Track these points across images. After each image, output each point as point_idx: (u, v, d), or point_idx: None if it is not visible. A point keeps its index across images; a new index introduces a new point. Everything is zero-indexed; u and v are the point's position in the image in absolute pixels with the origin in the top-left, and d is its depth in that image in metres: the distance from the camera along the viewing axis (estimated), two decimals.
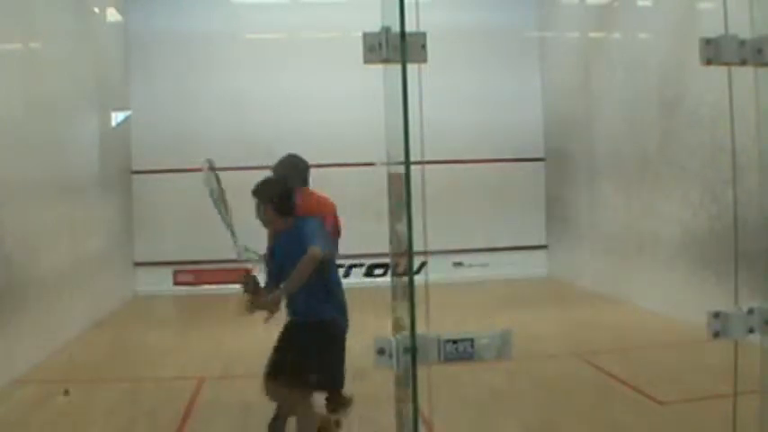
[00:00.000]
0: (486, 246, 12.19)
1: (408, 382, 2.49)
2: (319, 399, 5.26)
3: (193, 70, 11.70)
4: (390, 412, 2.86)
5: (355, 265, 11.46)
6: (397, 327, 2.54)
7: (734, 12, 2.87)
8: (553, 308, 10.07)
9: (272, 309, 4.35)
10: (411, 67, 2.43)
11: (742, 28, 2.71)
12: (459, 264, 12.21)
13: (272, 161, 5.17)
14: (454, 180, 11.52)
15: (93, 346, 8.09)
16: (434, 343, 2.45)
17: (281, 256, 4.44)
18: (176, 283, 11.74)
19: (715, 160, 7.57)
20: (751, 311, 2.64)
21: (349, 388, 5.50)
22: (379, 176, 2.93)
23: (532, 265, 12.25)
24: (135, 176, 11.82)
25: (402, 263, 2.63)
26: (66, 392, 5.95)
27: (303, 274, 4.22)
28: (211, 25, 11.71)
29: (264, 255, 4.67)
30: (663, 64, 8.74)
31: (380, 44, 2.42)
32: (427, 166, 3.14)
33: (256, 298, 4.39)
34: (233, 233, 4.67)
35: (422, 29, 2.45)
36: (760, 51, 2.63)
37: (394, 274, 2.81)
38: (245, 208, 4.54)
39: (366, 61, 2.45)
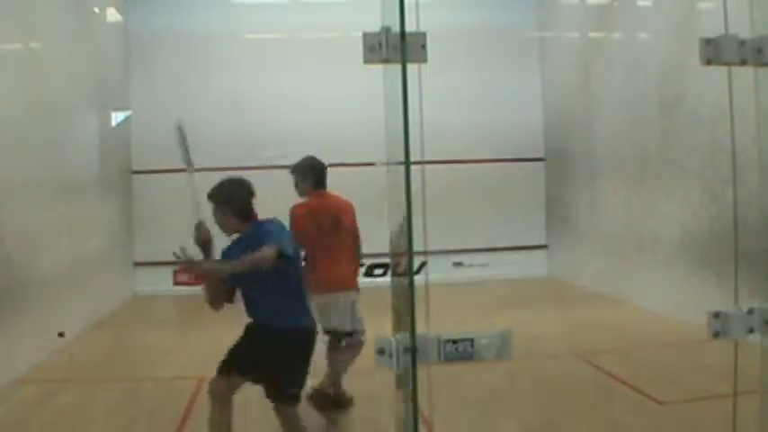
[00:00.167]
0: (486, 246, 12.20)
1: (408, 382, 2.49)
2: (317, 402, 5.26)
3: (193, 70, 11.70)
4: (390, 412, 2.86)
5: None
6: (397, 327, 2.54)
7: (734, 12, 2.87)
8: (553, 308, 10.07)
9: (202, 275, 4.27)
10: (411, 67, 2.43)
11: (742, 28, 2.71)
12: (459, 264, 12.21)
13: (286, 162, 5.15)
14: (454, 180, 11.53)
15: (93, 346, 8.08)
16: (434, 343, 2.45)
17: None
18: (176, 283, 11.72)
19: (715, 160, 7.57)
20: (751, 311, 2.65)
21: (349, 388, 5.52)
22: (379, 176, 2.94)
23: (532, 265, 12.26)
24: (135, 176, 11.83)
25: (402, 263, 2.63)
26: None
27: (244, 264, 3.97)
28: (211, 25, 11.71)
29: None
30: (663, 64, 8.74)
31: (380, 44, 2.42)
32: (427, 166, 3.14)
33: (190, 265, 4.18)
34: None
35: (422, 29, 2.45)
36: (760, 51, 2.63)
37: (394, 274, 2.81)
38: None
39: (366, 61, 2.45)
